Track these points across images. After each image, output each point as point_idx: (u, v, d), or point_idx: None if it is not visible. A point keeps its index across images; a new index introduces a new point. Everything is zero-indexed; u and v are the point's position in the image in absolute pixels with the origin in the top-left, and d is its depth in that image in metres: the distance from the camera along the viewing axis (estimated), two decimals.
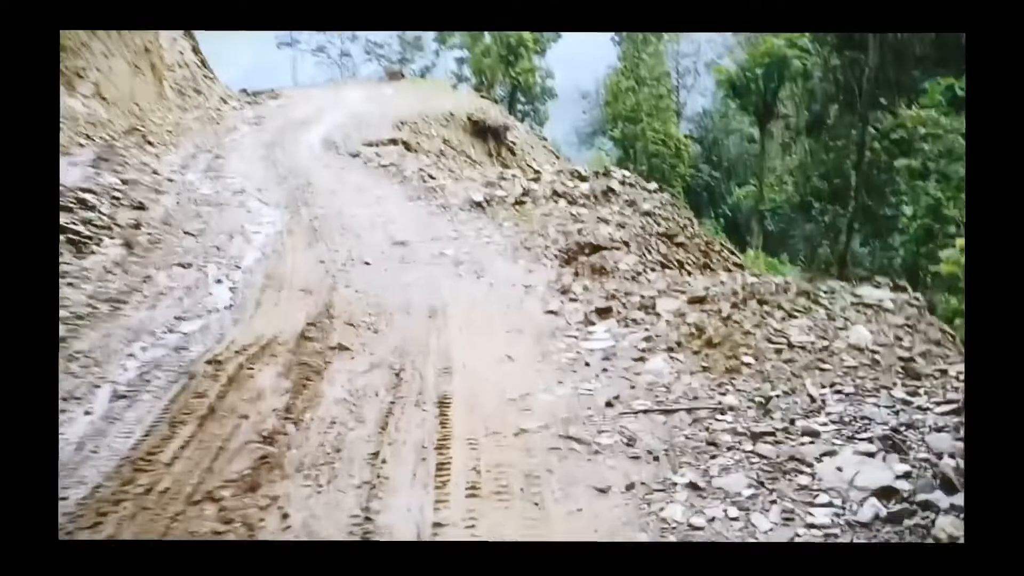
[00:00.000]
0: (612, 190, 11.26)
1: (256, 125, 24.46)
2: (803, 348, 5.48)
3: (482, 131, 26.58)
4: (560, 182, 11.94)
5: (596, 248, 8.89)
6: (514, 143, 27.74)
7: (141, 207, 13.37)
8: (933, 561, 2.80)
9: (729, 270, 11.99)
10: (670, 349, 5.80)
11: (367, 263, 9.43)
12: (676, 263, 10.21)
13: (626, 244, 9.23)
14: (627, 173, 12.23)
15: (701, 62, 38.95)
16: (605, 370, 5.57)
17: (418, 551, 3.37)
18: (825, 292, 6.34)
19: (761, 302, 6.22)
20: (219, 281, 9.47)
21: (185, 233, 11.82)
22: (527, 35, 35.74)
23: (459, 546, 3.55)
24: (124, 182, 15.08)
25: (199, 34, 35.26)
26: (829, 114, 21.68)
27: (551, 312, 7.02)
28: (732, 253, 12.65)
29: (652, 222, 10.70)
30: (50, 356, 2.85)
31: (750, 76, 26.27)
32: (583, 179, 12.03)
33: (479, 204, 11.38)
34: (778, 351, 5.44)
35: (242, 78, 41.91)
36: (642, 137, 29.16)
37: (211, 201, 13.68)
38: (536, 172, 13.47)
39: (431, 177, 13.93)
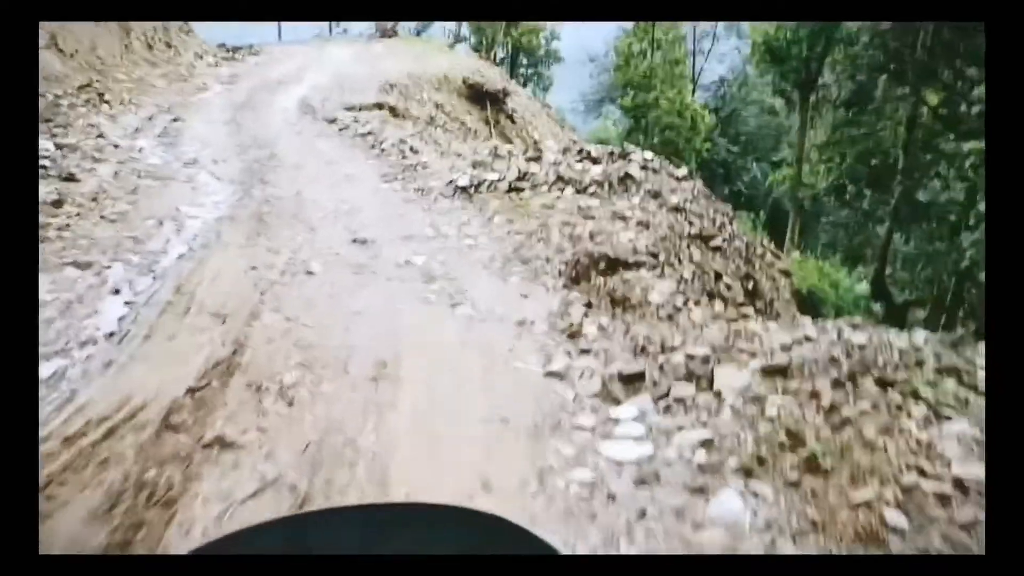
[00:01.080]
0: (631, 176, 8.90)
1: (229, 84, 21.94)
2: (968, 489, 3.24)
3: (479, 96, 24.05)
4: (566, 164, 9.56)
5: (615, 264, 6.57)
6: (514, 111, 25.21)
7: (71, 178, 11.11)
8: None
9: (773, 279, 9.70)
10: (747, 472, 3.57)
11: (311, 272, 7.16)
12: (714, 275, 7.94)
13: (654, 256, 6.91)
14: (649, 155, 9.77)
15: (720, 24, 36.20)
16: (643, 515, 3.33)
17: None
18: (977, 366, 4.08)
19: (883, 383, 3.98)
20: (116, 291, 7.16)
21: (101, 218, 9.54)
22: None
23: None
24: (59, 147, 12.76)
25: None
26: (877, 85, 19.20)
27: (553, 375, 4.76)
28: (776, 257, 10.37)
29: (683, 220, 8.38)
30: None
31: (792, 39, 23.43)
32: (595, 161, 9.62)
33: (465, 189, 9.04)
34: (939, 497, 3.20)
35: (230, 33, 39.20)
36: (655, 106, 26.47)
37: (156, 174, 11.33)
38: (537, 150, 10.99)
39: (413, 151, 11.54)
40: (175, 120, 15.73)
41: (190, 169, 11.77)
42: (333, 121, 15.09)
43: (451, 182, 9.10)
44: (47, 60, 19.38)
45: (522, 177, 8.81)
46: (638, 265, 6.58)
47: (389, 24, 36.89)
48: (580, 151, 10.10)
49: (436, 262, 7.07)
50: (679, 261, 7.65)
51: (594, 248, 6.91)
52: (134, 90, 19.21)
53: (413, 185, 9.81)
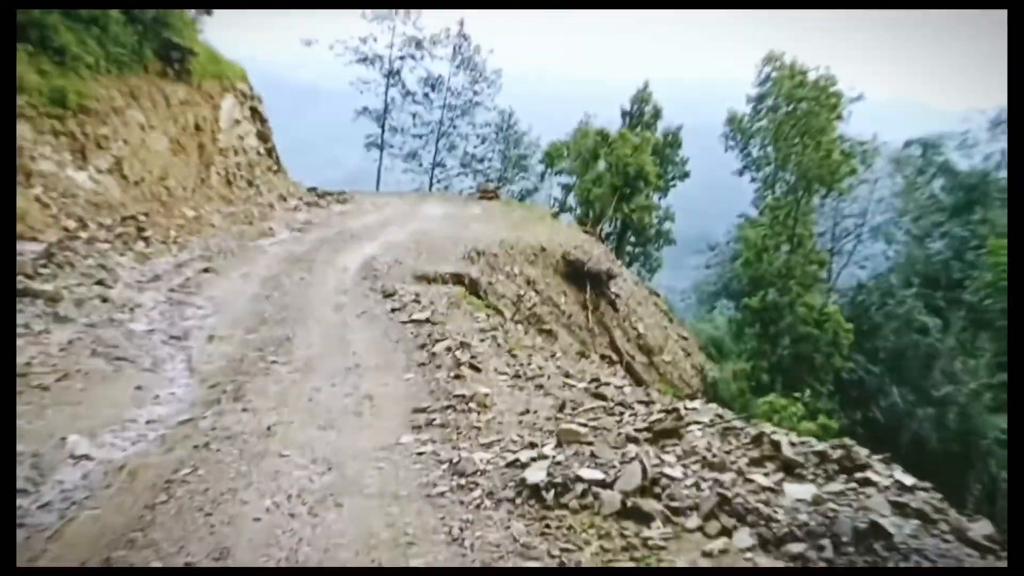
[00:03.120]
0: (880, 531, 4.44)
1: (298, 232, 19.36)
2: None
3: (579, 274, 20.63)
4: (728, 462, 5.26)
5: None
6: (617, 296, 21.57)
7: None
8: None
9: None
10: None
11: None
12: None
13: None
14: (906, 478, 5.24)
15: (867, 225, 32.53)
16: None
17: None
18: None
19: None
20: None
21: None
22: (649, 167, 30.23)
23: None
24: (34, 295, 9.71)
25: (285, 121, 31.73)
26: None
27: None
28: None
29: None
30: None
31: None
32: (790, 470, 5.20)
33: (537, 492, 4.89)
34: None
35: (325, 178, 38.27)
36: (790, 312, 22.31)
37: (117, 352, 7.92)
38: (676, 415, 6.31)
39: (473, 368, 7.74)
40: (205, 270, 12.72)
41: (169, 347, 8.35)
42: (391, 295, 11.66)
43: (515, 463, 5.11)
44: (106, 186, 17.26)
45: (649, 486, 4.70)
46: None
47: (492, 185, 34.90)
48: (748, 435, 5.64)
49: None
50: None
51: None
52: (185, 229, 16.69)
53: (452, 450, 5.84)
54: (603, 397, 6.49)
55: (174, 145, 20.48)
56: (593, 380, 7.07)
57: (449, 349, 7.92)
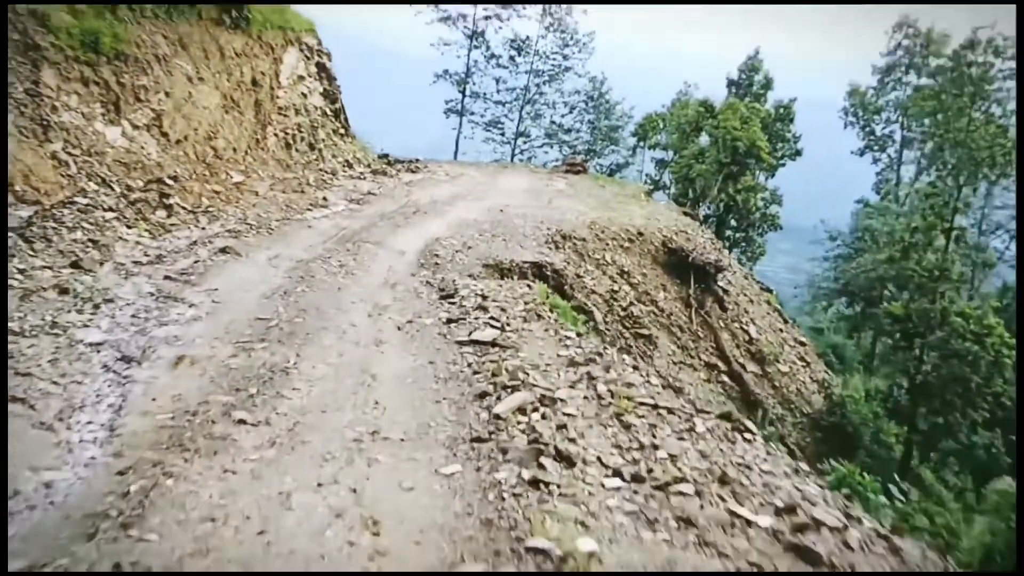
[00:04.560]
0: None
1: (356, 204, 16.76)
2: None
3: (681, 265, 17.40)
4: None
5: None
6: (726, 292, 18.23)
7: None
8: None
9: None
10: None
11: None
12: None
13: None
14: None
15: None
16: None
17: None
18: None
19: None
20: None
21: None
22: (761, 142, 26.44)
23: None
24: None
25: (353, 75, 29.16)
26: None
27: None
28: None
29: None
30: None
31: None
32: None
33: None
34: None
35: (427, 147, 35.70)
36: (941, 322, 18.18)
37: (12, 389, 5.36)
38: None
39: (563, 459, 4.76)
40: (223, 250, 10.16)
41: (107, 379, 5.72)
42: (450, 296, 8.79)
43: None
44: (141, 143, 15.04)
45: None
46: None
47: (579, 158, 31.71)
48: None
49: None
50: None
51: None
52: (221, 196, 14.29)
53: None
54: (812, 556, 3.47)
55: (226, 101, 18.14)
56: (788, 509, 3.96)
57: (523, 411, 5.04)
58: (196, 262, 9.26)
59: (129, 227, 10.56)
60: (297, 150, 20.85)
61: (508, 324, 7.27)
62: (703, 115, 30.14)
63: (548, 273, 12.42)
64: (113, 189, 12.69)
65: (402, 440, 4.80)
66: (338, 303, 8.13)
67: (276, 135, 20.08)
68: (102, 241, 9.48)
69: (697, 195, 27.69)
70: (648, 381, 5.96)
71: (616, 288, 14.24)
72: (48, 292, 7.06)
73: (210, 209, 12.94)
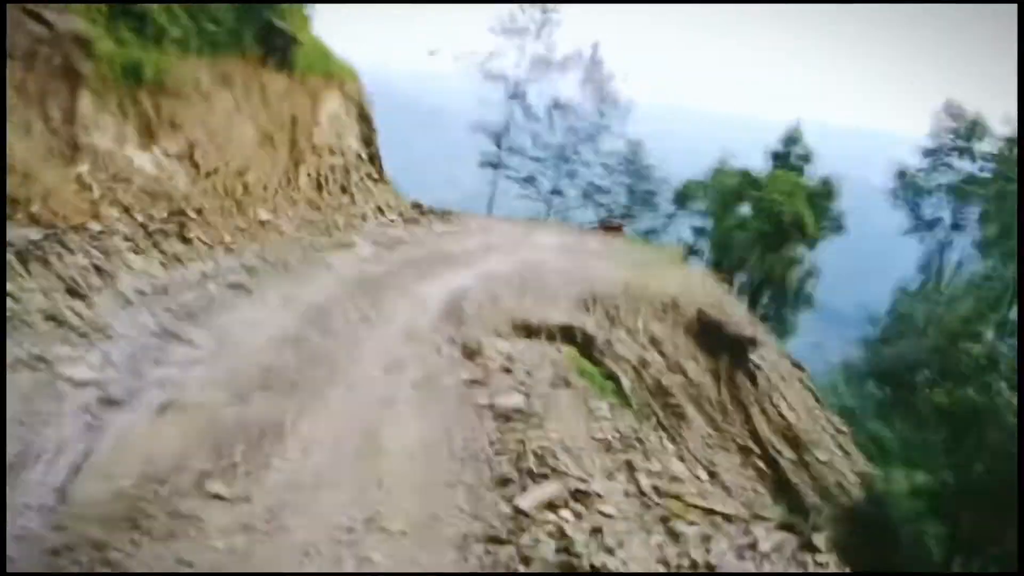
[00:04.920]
0: None
1: (384, 249, 16.26)
2: None
3: (715, 338, 16.55)
4: None
5: None
6: (758, 369, 17.31)
7: None
8: None
9: None
10: None
11: None
12: None
13: None
14: None
15: None
16: None
17: None
18: None
19: None
20: None
21: None
22: (807, 214, 25.73)
23: None
24: None
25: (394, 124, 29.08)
26: None
27: None
28: None
29: None
30: None
31: None
32: None
33: None
34: None
35: (460, 200, 35.39)
36: (993, 419, 17.03)
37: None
38: None
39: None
40: (231, 287, 9.59)
41: (82, 423, 5.08)
42: (474, 355, 8.08)
43: None
44: (171, 172, 14.72)
45: None
46: None
47: (616, 219, 31.24)
48: None
49: None
50: None
51: None
52: (246, 233, 13.83)
53: None
54: None
55: (262, 136, 17.91)
56: None
57: (553, 506, 4.27)
58: (203, 296, 8.68)
59: (138, 254, 10.06)
60: (329, 192, 20.50)
61: (534, 389, 6.54)
62: (744, 184, 29.59)
63: (578, 336, 11.69)
64: (134, 218, 12.30)
65: (403, 533, 4.05)
66: (352, 353, 7.48)
67: (309, 174, 19.76)
68: (108, 269, 8.96)
69: (734, 263, 26.90)
70: (696, 476, 5.18)
71: (646, 356, 13.44)
72: (33, 318, 6.48)
73: (231, 245, 12.47)
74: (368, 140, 23.55)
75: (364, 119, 23.17)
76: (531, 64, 34.05)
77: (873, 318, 29.65)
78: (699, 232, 37.31)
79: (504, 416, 5.87)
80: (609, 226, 28.31)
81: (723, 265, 28.82)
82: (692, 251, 32.19)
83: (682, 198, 36.71)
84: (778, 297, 30.96)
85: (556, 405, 6.26)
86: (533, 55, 33.87)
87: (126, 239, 10.18)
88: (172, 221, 12.07)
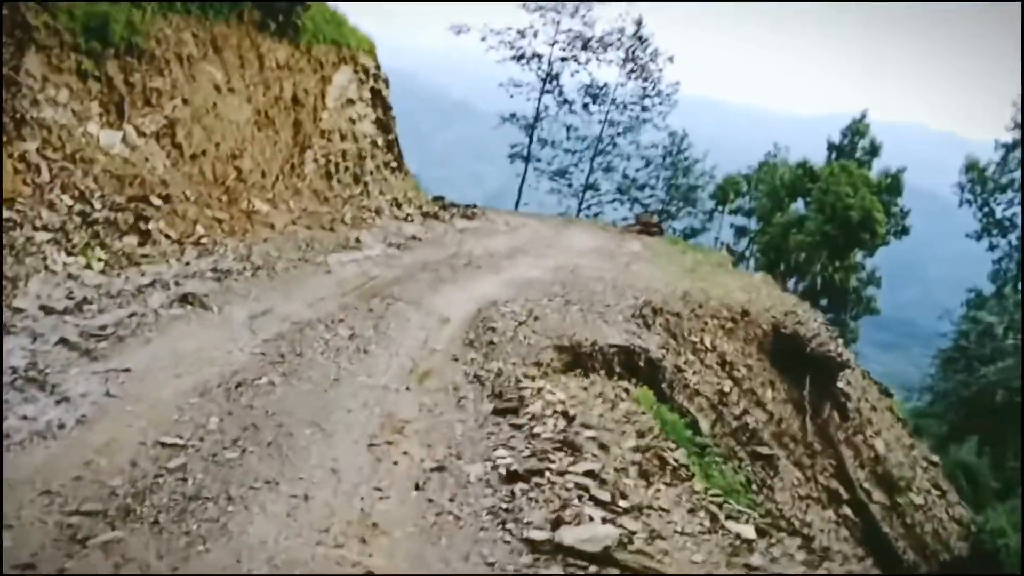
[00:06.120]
0: None
1: (395, 249, 13.63)
2: None
3: (795, 357, 13.72)
4: None
5: None
6: (846, 396, 14.45)
7: None
8: None
9: None
10: None
11: None
12: None
13: None
14: None
15: None
16: None
17: None
18: None
19: None
20: None
21: None
22: (878, 212, 22.77)
23: None
24: None
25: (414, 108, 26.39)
26: None
27: None
28: None
29: None
30: None
31: None
32: None
33: None
34: None
35: (485, 198, 32.78)
36: None
37: None
38: None
39: None
40: (185, 300, 7.02)
41: None
42: (512, 410, 5.36)
43: None
44: (146, 154, 12.27)
45: None
46: None
47: (654, 218, 28.42)
48: None
49: None
50: None
51: None
52: (223, 226, 11.29)
53: None
54: None
55: (259, 117, 15.36)
56: None
57: None
58: (132, 315, 6.12)
59: (70, 254, 7.54)
60: (339, 181, 17.98)
61: (622, 491, 3.89)
62: (802, 179, 26.63)
63: (641, 362, 8.99)
64: (93, 206, 9.83)
65: None
66: (322, 410, 4.89)
67: (316, 161, 17.26)
68: (16, 276, 6.46)
69: (790, 269, 23.98)
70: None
71: (723, 387, 10.69)
72: None
73: (202, 241, 9.92)
74: (385, 125, 20.99)
75: (381, 101, 20.59)
76: (567, 42, 31.07)
77: (960, 333, 26.39)
78: (742, 232, 34.54)
79: (579, 566, 3.21)
80: (648, 223, 25.51)
81: (775, 269, 25.92)
82: (737, 255, 29.35)
83: (722, 194, 33.90)
84: (837, 304, 27.97)
85: (662, 523, 3.63)
86: (569, 32, 30.90)
87: (48, 230, 7.65)
88: (127, 209, 9.57)
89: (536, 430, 4.87)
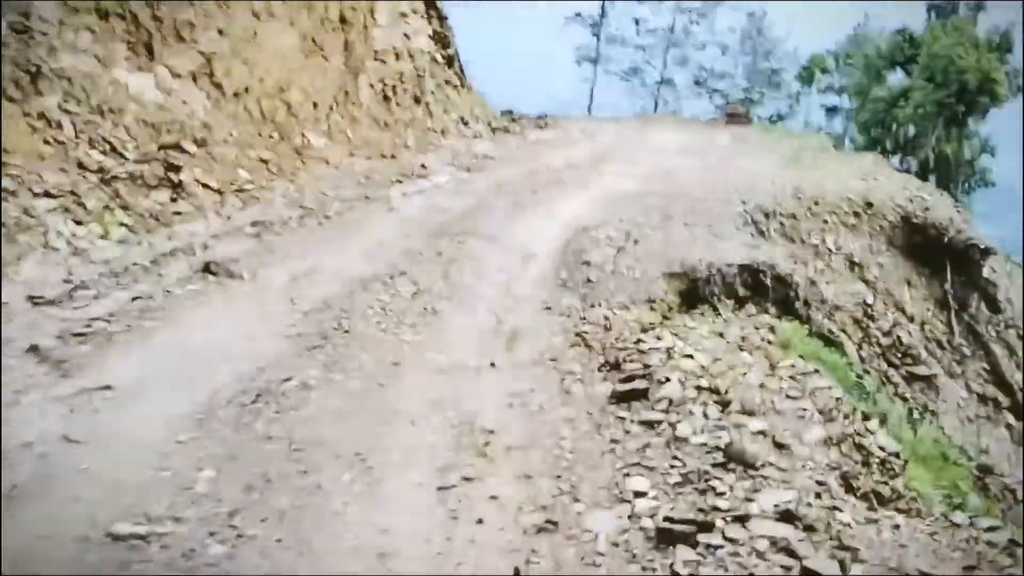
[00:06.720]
0: None
1: (466, 172, 12.30)
2: None
3: (932, 250, 11.87)
4: None
5: None
6: (994, 285, 12.57)
7: None
8: None
9: None
10: None
11: None
12: None
13: None
14: None
15: None
16: None
17: None
18: None
19: None
20: None
21: None
22: (998, 73, 19.95)
23: None
24: None
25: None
26: None
27: None
28: None
29: None
30: None
31: None
32: None
33: None
34: None
35: (555, 109, 30.69)
36: None
37: None
38: None
39: None
40: (207, 269, 5.89)
41: None
42: (635, 390, 4.01)
43: None
44: (183, 97, 11.17)
45: None
46: None
47: (741, 108, 26.04)
48: None
49: None
50: None
51: None
52: (269, 167, 10.12)
53: None
54: None
55: (305, 43, 14.02)
56: None
57: None
58: (136, 299, 5.02)
59: (79, 223, 6.49)
60: (399, 104, 16.53)
61: (839, 536, 2.53)
62: (902, 46, 23.67)
63: (768, 282, 7.50)
64: (123, 159, 8.80)
65: None
66: (373, 429, 3.60)
67: (371, 85, 15.84)
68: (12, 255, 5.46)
69: (898, 146, 21.47)
70: None
71: (864, 297, 9.10)
72: None
73: (247, 187, 8.80)
74: (442, 39, 19.32)
75: (434, 10, 18.88)
76: None
77: None
78: (833, 112, 31.85)
79: None
80: (735, 113, 23.29)
81: (881, 147, 23.40)
82: (836, 137, 26.78)
83: (808, 74, 31.08)
84: (945, 177, 25.24)
85: None
86: None
87: (51, 197, 6.59)
88: (155, 160, 8.49)
89: (680, 430, 3.49)
